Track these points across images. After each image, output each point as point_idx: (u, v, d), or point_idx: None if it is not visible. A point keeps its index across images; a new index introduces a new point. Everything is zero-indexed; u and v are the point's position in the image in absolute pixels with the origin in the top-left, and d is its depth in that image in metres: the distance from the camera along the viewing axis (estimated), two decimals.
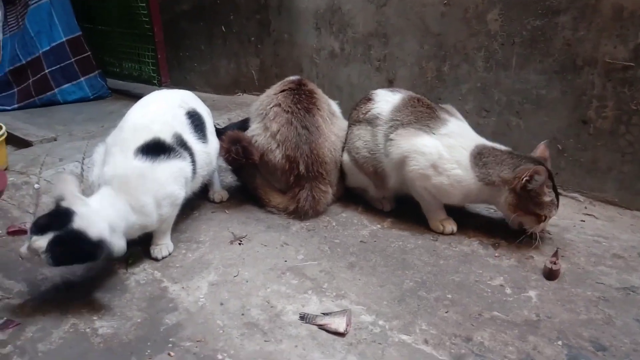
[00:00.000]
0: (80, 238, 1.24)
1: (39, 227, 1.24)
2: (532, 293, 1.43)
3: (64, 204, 1.29)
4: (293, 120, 1.81)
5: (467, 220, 1.78)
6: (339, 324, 1.27)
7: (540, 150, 1.69)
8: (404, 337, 1.26)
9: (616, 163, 1.83)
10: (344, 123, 1.95)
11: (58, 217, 1.27)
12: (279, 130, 1.81)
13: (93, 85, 2.94)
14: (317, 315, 1.31)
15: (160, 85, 2.85)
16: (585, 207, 1.91)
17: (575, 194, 1.95)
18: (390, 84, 2.30)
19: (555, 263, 1.51)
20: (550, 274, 1.49)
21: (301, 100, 1.85)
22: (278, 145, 1.81)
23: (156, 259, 1.55)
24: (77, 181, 1.36)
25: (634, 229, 1.77)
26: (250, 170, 1.91)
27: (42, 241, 1.22)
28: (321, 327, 1.28)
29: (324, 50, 2.51)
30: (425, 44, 2.17)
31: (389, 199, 1.87)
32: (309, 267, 1.53)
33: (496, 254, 1.62)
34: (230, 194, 1.99)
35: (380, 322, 1.31)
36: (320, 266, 1.54)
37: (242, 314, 1.32)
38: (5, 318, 1.30)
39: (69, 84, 2.87)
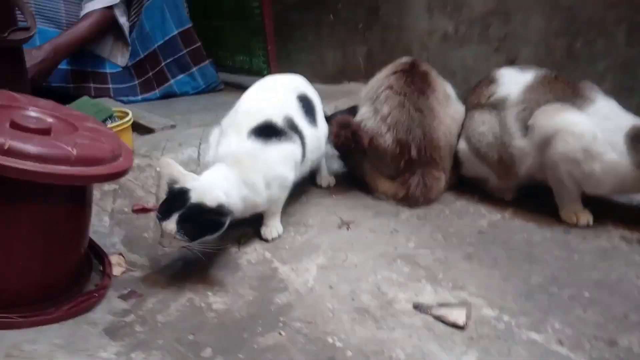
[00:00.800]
0: (202, 209, 1.28)
1: (164, 213, 1.29)
2: None
3: (177, 185, 1.34)
4: (405, 102, 1.72)
5: (605, 212, 1.56)
6: (458, 315, 1.17)
7: None
8: (534, 335, 1.12)
9: None
10: (460, 106, 1.82)
11: (176, 198, 1.32)
12: (390, 113, 1.73)
13: (205, 74, 3.06)
14: (432, 306, 1.22)
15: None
16: None
17: None
18: (511, 64, 2.11)
19: None
20: None
21: (415, 82, 1.76)
22: (389, 128, 1.73)
23: (266, 240, 1.56)
24: (177, 165, 1.39)
25: None
26: (358, 156, 1.85)
27: (171, 224, 1.26)
28: (438, 318, 1.18)
29: (436, 33, 2.38)
30: (553, 20, 1.96)
31: (511, 188, 1.71)
32: (422, 256, 1.44)
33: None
34: (337, 180, 1.95)
35: (505, 318, 1.17)
36: (433, 255, 1.44)
37: (352, 299, 1.27)
38: (129, 289, 1.37)
39: (183, 75, 3.03)
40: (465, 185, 1.82)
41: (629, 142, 1.43)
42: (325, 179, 1.92)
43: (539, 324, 1.15)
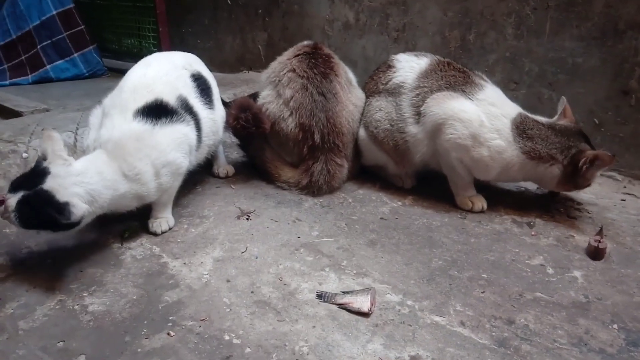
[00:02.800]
0: (47, 200, 1.11)
1: (14, 185, 1.13)
2: (577, 273, 1.27)
3: (45, 163, 1.15)
4: (309, 85, 1.65)
5: (497, 198, 1.62)
6: (362, 302, 1.12)
7: (566, 111, 1.55)
8: (437, 318, 1.10)
9: None
10: (361, 93, 1.79)
11: (32, 176, 1.15)
12: (292, 97, 1.66)
13: (88, 61, 2.77)
14: (336, 294, 1.16)
15: None
16: (625, 187, 1.75)
17: (612, 172, 1.79)
18: None
19: (600, 242, 1.36)
20: (596, 253, 1.33)
21: (317, 65, 1.69)
22: (291, 112, 1.65)
23: (155, 234, 1.40)
24: (61, 139, 1.20)
25: None
26: (259, 142, 1.75)
27: (13, 199, 1.10)
28: (342, 306, 1.12)
29: (337, 22, 2.35)
30: (449, 11, 2.01)
31: (409, 175, 1.71)
32: (325, 244, 1.38)
33: (532, 233, 1.46)
34: (237, 169, 1.83)
35: (409, 302, 1.15)
36: (337, 243, 1.38)
37: (252, 292, 1.17)
38: None
39: (62, 61, 2.71)
40: (366, 174, 1.80)
41: (514, 128, 1.48)
42: (223, 167, 1.79)
43: (442, 307, 1.13)
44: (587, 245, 1.36)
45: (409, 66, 1.65)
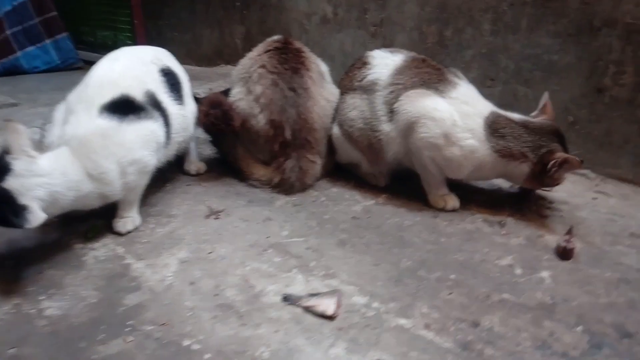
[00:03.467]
0: (5, 200, 1.07)
1: None
2: (545, 274, 1.27)
3: (8, 157, 1.11)
4: (279, 81, 1.63)
5: (469, 197, 1.61)
6: (327, 305, 1.10)
7: (547, 108, 1.54)
8: (402, 321, 1.09)
9: (632, 136, 1.67)
10: (334, 88, 1.76)
11: None
12: (263, 93, 1.63)
13: (60, 48, 2.70)
14: (302, 297, 1.14)
15: None
16: (597, 185, 1.75)
17: (586, 170, 1.79)
18: None
19: (569, 242, 1.35)
20: (565, 253, 1.33)
21: (288, 60, 1.67)
22: (262, 109, 1.62)
23: (119, 233, 1.37)
24: (27, 132, 1.17)
25: None
26: (231, 139, 1.72)
27: None
28: (307, 309, 1.10)
29: (315, 16, 2.31)
30: (426, 6, 1.99)
31: (383, 174, 1.69)
32: (295, 244, 1.36)
33: (503, 232, 1.45)
34: (209, 167, 1.80)
35: (375, 304, 1.13)
36: (307, 243, 1.36)
37: (216, 295, 1.15)
38: None
39: (34, 47, 2.64)
40: (341, 171, 1.78)
41: (487, 127, 1.47)
42: (194, 164, 1.76)
43: (408, 309, 1.12)
44: (556, 246, 1.36)
45: (383, 63, 1.63)
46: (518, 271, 1.28)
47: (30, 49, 2.65)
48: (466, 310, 1.13)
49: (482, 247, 1.38)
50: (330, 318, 1.08)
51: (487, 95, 1.88)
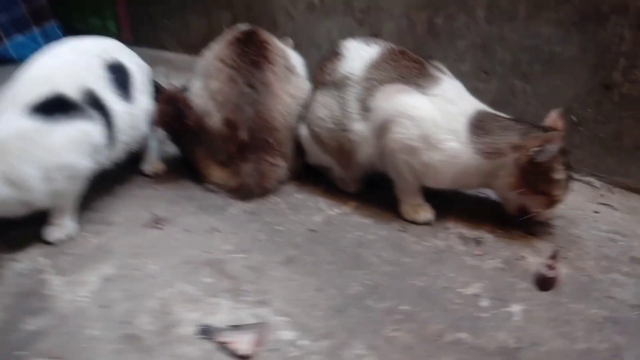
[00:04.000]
0: None
1: None
2: (515, 308, 1.08)
3: None
4: (237, 76, 1.47)
5: (449, 207, 1.42)
6: (244, 342, 0.95)
7: (552, 120, 1.31)
8: None
9: None
10: (305, 83, 1.59)
11: None
12: (219, 89, 1.47)
13: (49, 36, 2.61)
14: (222, 329, 1.00)
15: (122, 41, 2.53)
16: (602, 195, 1.52)
17: (590, 177, 1.56)
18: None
19: (552, 268, 1.16)
20: (544, 283, 1.14)
21: (249, 53, 1.50)
22: (218, 107, 1.47)
23: (48, 243, 1.26)
24: None
25: None
26: (191, 139, 1.58)
27: None
28: (222, 345, 0.96)
29: (301, 2, 2.13)
30: None
31: (355, 179, 1.52)
32: (234, 261, 1.21)
33: (478, 252, 1.26)
34: (171, 167, 1.66)
35: (304, 342, 0.98)
36: (248, 260, 1.22)
37: (126, 322, 1.02)
38: None
39: (21, 36, 2.57)
40: (312, 174, 1.61)
41: (472, 129, 1.27)
42: (151, 165, 1.63)
43: (340, 349, 0.97)
44: (536, 272, 1.16)
45: (358, 55, 1.44)
46: (484, 303, 1.10)
47: (18, 37, 2.58)
48: (409, 353, 0.96)
49: (448, 270, 1.20)
50: (245, 358, 0.93)
51: (482, 91, 1.68)
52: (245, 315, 1.05)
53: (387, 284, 1.15)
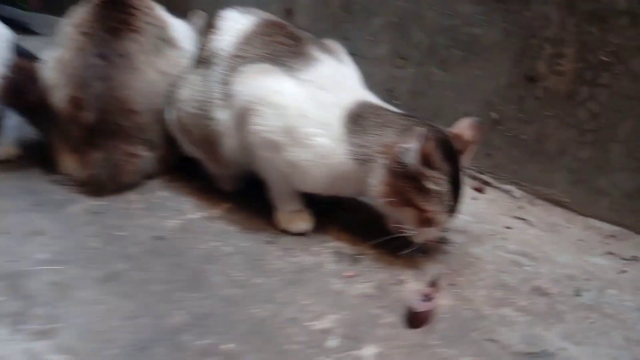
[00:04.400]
0: None
1: None
2: (368, 350, 0.86)
3: None
4: (88, 45, 1.22)
5: (336, 216, 1.19)
6: None
7: (462, 127, 1.07)
8: None
9: (571, 144, 1.22)
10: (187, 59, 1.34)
11: None
12: (69, 61, 1.23)
13: None
14: None
15: (30, 9, 2.27)
16: (521, 207, 1.30)
17: (510, 186, 1.34)
18: (288, 15, 1.67)
19: (429, 298, 0.94)
20: (414, 318, 0.91)
21: (109, 18, 1.25)
22: (65, 81, 1.22)
23: None
24: None
25: (580, 249, 1.16)
26: (47, 119, 1.33)
27: None
28: None
29: None
30: None
31: (231, 176, 1.28)
32: (40, 275, 0.97)
33: (349, 273, 1.04)
34: (31, 151, 1.41)
35: None
36: (59, 274, 0.98)
37: None
38: None
39: None
40: (192, 167, 1.37)
41: (348, 124, 1.04)
42: (1, 148, 1.38)
43: None
44: (408, 304, 0.94)
45: (231, 27, 1.19)
46: (332, 342, 0.87)
47: None
48: None
49: (305, 295, 0.97)
50: None
51: (399, 79, 1.46)
52: (17, 349, 0.81)
53: (221, 312, 0.92)
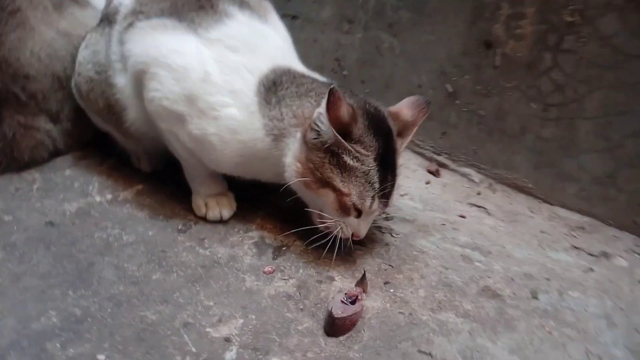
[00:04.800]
0: None
1: None
2: None
3: None
4: None
5: (268, 201, 1.03)
6: None
7: (401, 106, 0.91)
8: None
9: (533, 121, 1.06)
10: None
11: None
12: None
13: None
14: None
15: None
16: (479, 194, 1.15)
17: (468, 168, 1.19)
18: None
19: (355, 299, 0.79)
20: (333, 326, 0.76)
21: None
22: None
23: None
24: None
25: (542, 242, 1.01)
26: None
27: None
28: None
29: None
30: None
31: (147, 153, 1.11)
32: None
33: (269, 268, 0.88)
34: None
35: None
36: None
37: None
38: None
39: None
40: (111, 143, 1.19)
41: (263, 93, 0.87)
42: None
43: None
44: (328, 308, 0.79)
45: None
46: (230, 355, 0.72)
47: None
48: None
49: (209, 295, 0.82)
50: None
51: (346, 46, 1.30)
52: None
53: (103, 315, 0.77)
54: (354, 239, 0.87)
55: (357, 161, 0.79)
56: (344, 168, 0.80)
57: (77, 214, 0.98)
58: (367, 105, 0.83)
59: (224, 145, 0.87)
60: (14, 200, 1.01)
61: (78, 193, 1.05)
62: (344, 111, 0.77)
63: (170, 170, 1.07)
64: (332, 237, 0.85)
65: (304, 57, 0.98)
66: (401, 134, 0.88)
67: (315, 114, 0.79)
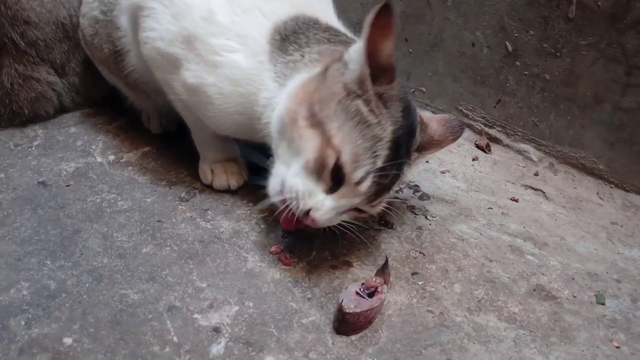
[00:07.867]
0: None
1: None
2: None
3: None
4: None
5: None
6: None
7: (434, 119, 0.79)
8: None
9: (614, 88, 0.86)
10: None
11: None
12: None
13: None
14: None
15: None
16: (536, 174, 0.97)
17: (525, 144, 1.01)
18: None
19: (374, 291, 0.65)
20: (344, 322, 0.63)
21: None
22: None
23: None
24: None
25: (612, 236, 0.83)
26: None
27: None
28: None
29: None
30: None
31: (157, 113, 1.00)
32: None
33: (276, 247, 0.75)
34: None
35: None
36: None
37: None
38: None
39: None
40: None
41: (276, 41, 0.72)
42: None
43: None
44: (340, 299, 0.65)
45: None
46: (217, 348, 0.60)
47: None
48: None
49: (203, 275, 0.70)
50: None
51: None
52: None
53: (80, 291, 0.66)
54: (306, 223, 0.65)
55: (372, 115, 0.63)
56: (352, 115, 0.63)
57: (73, 175, 0.89)
58: (406, 94, 0.67)
59: (223, 99, 0.74)
60: (11, 156, 0.92)
61: (79, 152, 0.95)
62: (389, 46, 0.61)
63: (182, 132, 0.96)
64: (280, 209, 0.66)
65: (342, 12, 0.83)
66: (420, 148, 0.72)
67: (352, 48, 0.64)
